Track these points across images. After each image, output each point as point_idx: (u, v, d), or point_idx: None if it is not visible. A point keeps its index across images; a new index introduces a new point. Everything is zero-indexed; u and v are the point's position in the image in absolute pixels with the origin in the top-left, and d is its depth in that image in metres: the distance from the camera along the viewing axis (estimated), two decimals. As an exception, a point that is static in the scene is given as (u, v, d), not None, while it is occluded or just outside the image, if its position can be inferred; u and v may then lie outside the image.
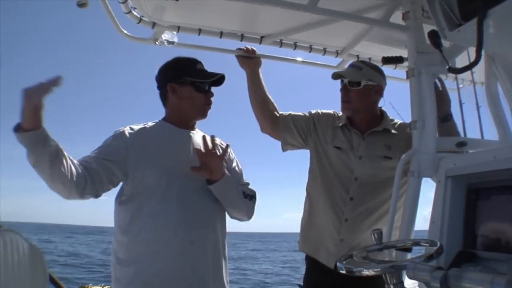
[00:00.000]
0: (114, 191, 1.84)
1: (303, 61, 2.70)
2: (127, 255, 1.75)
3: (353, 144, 2.25)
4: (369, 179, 2.19)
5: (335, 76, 2.30)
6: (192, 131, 1.98)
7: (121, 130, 1.86)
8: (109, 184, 1.77)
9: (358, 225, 2.18)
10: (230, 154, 2.08)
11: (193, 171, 1.80)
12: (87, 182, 1.67)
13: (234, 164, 2.08)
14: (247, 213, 2.00)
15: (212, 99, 1.97)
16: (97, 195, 1.74)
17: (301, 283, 2.46)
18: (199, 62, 1.97)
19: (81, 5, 1.66)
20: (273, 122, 2.39)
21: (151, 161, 1.80)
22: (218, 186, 1.85)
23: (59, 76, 1.44)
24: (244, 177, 2.10)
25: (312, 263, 2.33)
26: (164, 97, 1.98)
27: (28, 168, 1.51)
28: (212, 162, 1.82)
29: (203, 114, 1.98)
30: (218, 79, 1.96)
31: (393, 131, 2.27)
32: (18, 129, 1.46)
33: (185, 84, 1.91)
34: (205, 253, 1.82)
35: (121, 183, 1.83)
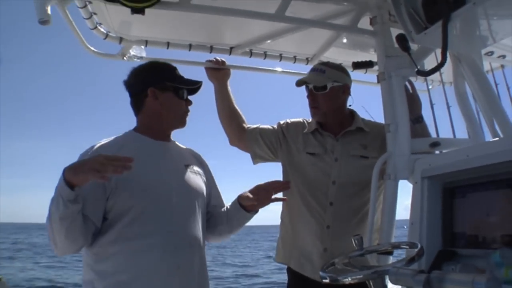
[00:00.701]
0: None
1: (273, 70, 2.71)
2: (107, 285, 1.59)
3: (327, 147, 2.21)
4: (347, 181, 2.14)
5: (299, 83, 2.26)
6: (168, 142, 1.88)
7: (89, 154, 1.68)
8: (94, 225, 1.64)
9: (341, 231, 2.10)
10: (210, 172, 2.04)
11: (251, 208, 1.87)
12: (86, 240, 1.59)
13: (215, 184, 2.04)
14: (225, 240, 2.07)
15: (190, 107, 1.89)
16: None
17: None
18: (176, 69, 1.90)
19: (43, 22, 1.60)
20: (240, 134, 2.35)
21: (132, 181, 1.64)
22: (250, 216, 1.91)
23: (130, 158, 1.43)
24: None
25: (295, 277, 2.24)
26: (139, 103, 1.84)
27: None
28: (265, 200, 1.86)
29: (182, 122, 1.88)
30: (194, 87, 1.89)
31: (366, 129, 2.25)
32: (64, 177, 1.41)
33: (167, 89, 1.81)
34: (193, 277, 1.73)
35: None
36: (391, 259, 1.84)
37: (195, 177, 1.87)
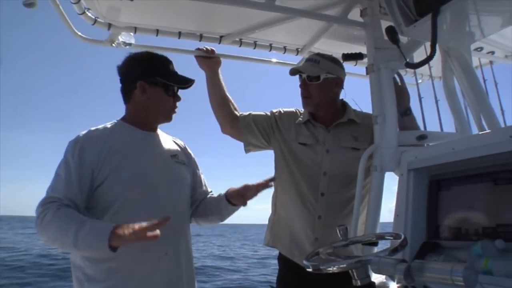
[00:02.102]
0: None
1: (263, 59, 2.70)
2: (96, 271, 1.62)
3: (318, 138, 2.22)
4: (338, 172, 2.15)
5: (293, 71, 2.26)
6: (154, 133, 1.90)
7: (80, 143, 1.68)
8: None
9: (332, 221, 2.09)
10: (195, 161, 2.06)
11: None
12: None
13: (199, 172, 2.06)
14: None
15: (178, 103, 1.90)
16: None
17: (274, 285, 2.37)
18: (171, 63, 1.89)
19: (28, 4, 1.57)
20: (233, 121, 2.35)
21: (119, 170, 1.67)
22: (237, 208, 1.96)
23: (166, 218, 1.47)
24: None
25: (285, 264, 2.27)
26: (128, 93, 1.85)
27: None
28: (253, 195, 1.88)
29: (168, 117, 1.89)
30: (185, 86, 1.89)
31: (358, 121, 2.26)
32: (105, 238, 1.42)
33: (156, 84, 1.81)
34: (179, 264, 1.77)
35: None
36: (376, 250, 1.85)
37: (180, 167, 1.91)
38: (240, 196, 1.89)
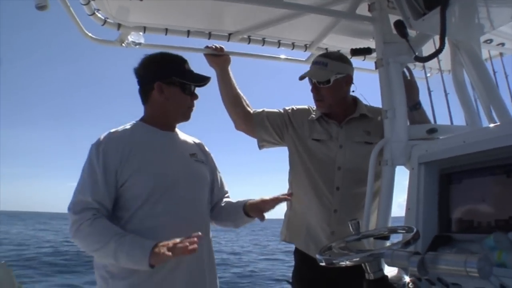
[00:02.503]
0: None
1: (272, 56, 2.70)
2: (120, 268, 1.63)
3: (332, 134, 2.23)
4: (352, 166, 2.16)
5: (303, 78, 2.27)
6: (173, 133, 1.93)
7: (103, 146, 1.72)
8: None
9: (348, 215, 2.04)
10: (213, 159, 2.07)
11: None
12: None
13: (217, 171, 2.08)
14: None
15: (195, 102, 1.91)
16: None
17: (289, 279, 2.39)
18: (186, 62, 1.90)
19: (40, 7, 1.60)
20: (246, 118, 2.37)
21: (141, 170, 1.71)
22: (252, 220, 1.94)
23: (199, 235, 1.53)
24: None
25: (302, 258, 2.28)
26: (146, 94, 1.88)
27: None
28: (269, 209, 1.88)
29: (186, 116, 1.91)
30: (202, 84, 1.90)
31: (370, 115, 2.27)
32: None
33: (173, 84, 1.83)
34: (201, 261, 1.79)
35: None
36: (387, 245, 1.86)
37: (200, 165, 1.93)
38: (258, 210, 1.89)
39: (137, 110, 1.96)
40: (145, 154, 1.75)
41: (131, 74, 1.92)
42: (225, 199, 2.07)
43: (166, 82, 1.83)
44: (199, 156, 1.95)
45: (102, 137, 1.76)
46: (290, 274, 2.40)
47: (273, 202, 1.87)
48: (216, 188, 2.04)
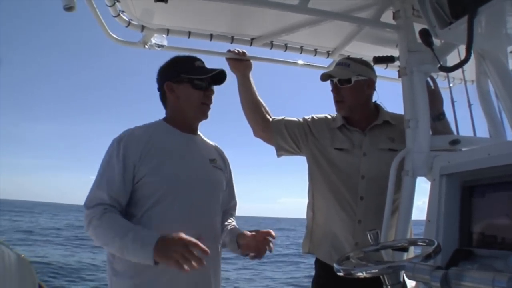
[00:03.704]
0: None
1: (293, 62, 2.71)
2: (124, 267, 1.66)
3: (354, 142, 2.20)
4: (376, 175, 2.12)
5: (324, 77, 2.25)
6: (195, 136, 1.93)
7: (124, 141, 1.75)
8: None
9: (372, 225, 1.93)
10: (230, 170, 2.08)
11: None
12: None
13: (232, 181, 2.09)
14: None
15: (212, 97, 1.90)
16: None
17: None
18: (198, 60, 1.91)
19: (68, 8, 1.62)
20: (264, 125, 2.36)
21: (158, 168, 1.72)
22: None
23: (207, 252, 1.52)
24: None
25: (323, 268, 2.22)
26: (163, 98, 1.92)
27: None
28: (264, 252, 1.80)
29: (202, 113, 1.90)
30: (219, 77, 1.89)
31: (393, 122, 2.23)
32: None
33: (182, 81, 1.84)
34: (208, 265, 1.74)
35: None
36: (406, 257, 1.83)
37: (218, 172, 1.93)
38: (250, 246, 1.82)
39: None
40: (164, 153, 1.76)
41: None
42: (228, 220, 2.03)
43: (175, 81, 1.85)
44: (218, 163, 1.95)
45: (123, 133, 1.79)
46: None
47: (264, 250, 1.80)
48: (225, 197, 2.03)
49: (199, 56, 2.00)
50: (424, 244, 1.34)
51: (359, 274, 1.21)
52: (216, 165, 1.92)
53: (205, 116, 1.91)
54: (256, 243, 1.79)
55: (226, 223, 1.99)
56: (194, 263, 1.47)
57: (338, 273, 1.29)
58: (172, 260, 1.47)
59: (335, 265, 1.33)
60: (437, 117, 2.11)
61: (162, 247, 1.50)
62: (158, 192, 1.70)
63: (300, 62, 2.71)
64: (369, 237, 1.47)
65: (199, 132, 1.96)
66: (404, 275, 1.12)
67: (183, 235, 1.52)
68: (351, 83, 2.17)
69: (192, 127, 1.92)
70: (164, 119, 1.92)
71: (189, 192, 1.76)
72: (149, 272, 1.63)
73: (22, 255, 2.11)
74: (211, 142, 2.03)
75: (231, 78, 2.40)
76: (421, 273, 0.98)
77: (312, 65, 2.73)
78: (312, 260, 2.36)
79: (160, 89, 1.92)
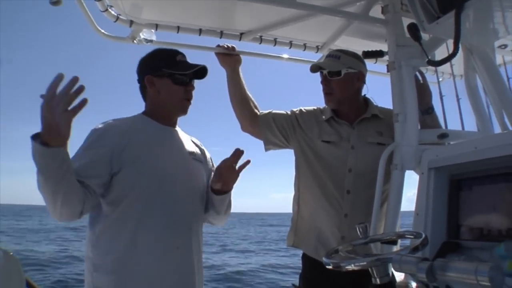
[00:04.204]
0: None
1: (282, 57, 2.70)
2: (106, 262, 1.63)
3: (342, 135, 2.20)
4: (364, 168, 2.12)
5: (314, 68, 2.25)
6: (174, 129, 1.91)
7: (102, 129, 1.72)
8: (98, 197, 1.66)
9: (359, 219, 1.92)
10: (211, 161, 2.06)
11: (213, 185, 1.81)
12: (85, 204, 1.57)
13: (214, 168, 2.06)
14: (225, 221, 2.07)
15: (193, 92, 1.88)
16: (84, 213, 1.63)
17: (296, 284, 2.36)
18: (180, 53, 1.88)
19: (54, 2, 1.61)
20: (252, 120, 2.35)
21: (137, 162, 1.69)
22: (224, 197, 1.87)
23: (75, 77, 1.33)
24: None
25: (310, 263, 2.23)
26: (143, 90, 1.89)
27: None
28: (232, 176, 1.81)
29: (182, 109, 1.88)
30: (200, 71, 1.86)
31: (381, 116, 2.24)
32: (35, 137, 1.36)
33: (163, 76, 1.81)
34: (191, 258, 1.78)
35: None
36: (395, 249, 1.84)
37: (197, 164, 1.92)
38: (219, 179, 1.82)
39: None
40: (142, 145, 1.73)
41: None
42: None
43: (156, 75, 1.82)
44: (197, 156, 1.94)
45: (102, 123, 1.76)
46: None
47: (233, 173, 1.81)
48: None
49: (188, 51, 1.99)
50: (412, 236, 1.35)
51: (348, 267, 1.22)
52: (196, 158, 1.91)
53: (184, 112, 1.90)
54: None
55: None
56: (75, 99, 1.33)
57: (327, 266, 1.30)
58: (53, 120, 1.32)
59: (324, 258, 1.33)
60: (426, 111, 2.13)
61: (44, 128, 1.35)
62: (138, 183, 1.67)
63: (289, 56, 2.71)
64: (358, 230, 1.48)
65: (177, 127, 1.94)
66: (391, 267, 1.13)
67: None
68: (340, 76, 2.17)
69: (171, 121, 1.90)
70: (143, 112, 1.89)
71: (170, 183, 1.74)
72: (130, 267, 1.62)
73: (10, 253, 2.10)
74: (189, 136, 2.01)
75: (220, 72, 2.39)
76: (407, 265, 0.99)
77: (302, 60, 2.73)
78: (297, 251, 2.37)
79: (140, 81, 1.88)
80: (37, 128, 1.37)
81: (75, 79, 1.33)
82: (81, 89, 1.34)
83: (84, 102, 1.36)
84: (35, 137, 1.37)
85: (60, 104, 1.32)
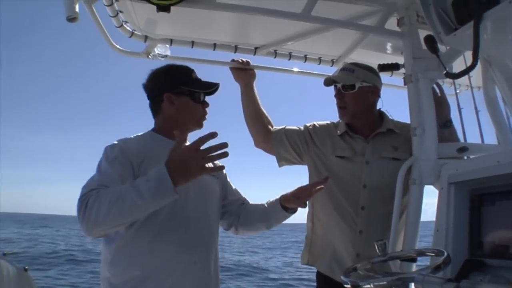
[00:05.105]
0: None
1: (298, 71, 2.68)
2: (123, 280, 1.61)
3: (356, 150, 2.17)
4: (379, 184, 2.09)
5: (328, 82, 2.23)
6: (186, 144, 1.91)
7: (117, 147, 1.70)
8: None
9: (374, 236, 1.91)
10: (225, 174, 2.06)
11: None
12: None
13: (230, 183, 2.07)
14: None
15: (207, 109, 1.89)
16: None
17: None
18: (193, 71, 1.90)
19: (71, 19, 1.62)
20: (266, 136, 2.33)
21: None
22: (289, 216, 1.93)
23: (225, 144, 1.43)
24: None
25: (325, 281, 2.18)
26: (156, 107, 1.86)
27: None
28: (308, 197, 1.89)
29: (199, 125, 1.89)
30: (210, 90, 1.89)
31: (397, 130, 2.20)
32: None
33: (182, 94, 1.82)
34: (208, 274, 1.77)
35: None
36: (414, 267, 1.79)
37: (210, 179, 1.91)
38: (296, 198, 1.87)
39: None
40: (156, 163, 1.65)
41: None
42: (248, 204, 2.06)
43: (175, 92, 1.82)
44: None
45: (117, 140, 1.75)
46: None
47: (311, 190, 1.86)
48: (230, 195, 2.03)
49: (203, 66, 1.98)
50: (433, 254, 1.31)
51: (367, 286, 1.18)
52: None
53: (201, 127, 1.90)
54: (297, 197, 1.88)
55: (247, 207, 2.04)
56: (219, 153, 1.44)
57: (346, 285, 1.26)
58: (197, 171, 1.45)
59: (342, 277, 1.30)
60: (444, 124, 2.08)
61: (176, 169, 1.44)
62: None
63: (303, 70, 2.69)
64: (376, 247, 1.44)
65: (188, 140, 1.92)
66: (413, 287, 1.09)
67: (185, 145, 1.48)
68: (355, 89, 2.14)
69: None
70: (153, 129, 1.88)
71: (184, 200, 1.71)
72: (148, 283, 1.60)
73: (26, 267, 2.09)
74: None
75: (234, 88, 2.38)
76: (431, 285, 0.95)
77: (317, 74, 2.71)
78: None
79: (154, 97, 1.87)
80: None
81: (224, 144, 1.44)
82: (224, 155, 1.44)
83: (224, 155, 1.44)
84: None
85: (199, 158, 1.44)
